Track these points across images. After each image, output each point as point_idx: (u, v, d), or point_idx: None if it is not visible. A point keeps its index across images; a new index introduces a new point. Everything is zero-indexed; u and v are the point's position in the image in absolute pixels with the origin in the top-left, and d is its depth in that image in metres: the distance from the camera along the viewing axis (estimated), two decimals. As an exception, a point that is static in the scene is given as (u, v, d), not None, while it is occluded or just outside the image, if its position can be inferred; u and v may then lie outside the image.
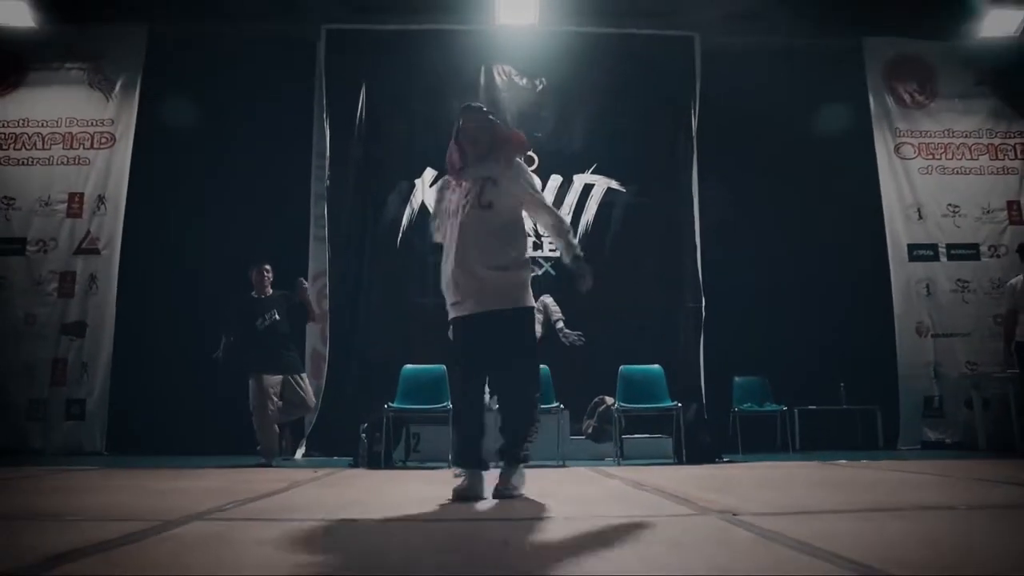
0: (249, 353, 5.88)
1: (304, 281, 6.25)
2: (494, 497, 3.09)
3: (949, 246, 7.83)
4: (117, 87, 7.77)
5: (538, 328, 7.39)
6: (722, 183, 7.78)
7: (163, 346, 7.12)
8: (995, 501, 3.01)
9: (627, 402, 6.14)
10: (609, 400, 6.48)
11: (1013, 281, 6.44)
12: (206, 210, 7.57)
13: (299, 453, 6.90)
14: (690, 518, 2.50)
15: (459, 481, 3.13)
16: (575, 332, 7.43)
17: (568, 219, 7.59)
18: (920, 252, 7.83)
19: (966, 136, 8.09)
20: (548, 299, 7.46)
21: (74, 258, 7.40)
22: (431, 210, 3.51)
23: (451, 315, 3.32)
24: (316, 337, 7.41)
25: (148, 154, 7.64)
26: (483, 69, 7.99)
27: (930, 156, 8.05)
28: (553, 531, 2.25)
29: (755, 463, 5.54)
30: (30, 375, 7.14)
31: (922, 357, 7.61)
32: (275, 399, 5.86)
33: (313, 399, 6.25)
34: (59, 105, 7.72)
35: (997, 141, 8.10)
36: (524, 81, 8.03)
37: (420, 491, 3.47)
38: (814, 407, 7.28)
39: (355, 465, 5.68)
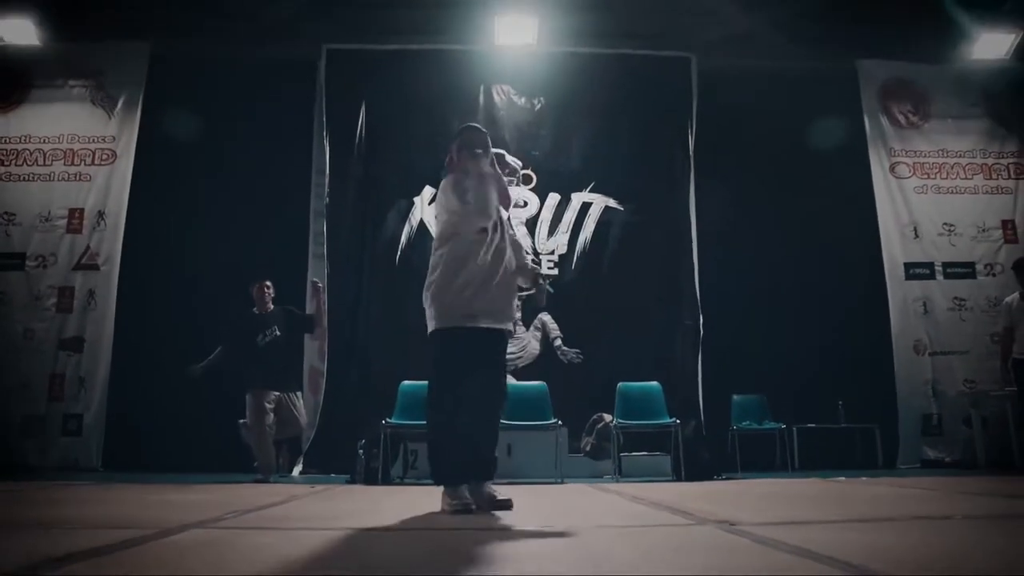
0: (249, 369, 5.88)
1: (318, 282, 6.26)
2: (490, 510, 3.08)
3: (945, 264, 7.88)
4: (119, 104, 7.83)
5: (536, 345, 7.46)
6: (719, 202, 7.83)
7: (161, 362, 7.09)
8: (992, 512, 3.01)
9: (625, 419, 6.13)
10: (607, 417, 6.49)
11: (1009, 299, 6.46)
12: (205, 227, 7.60)
13: (296, 470, 6.87)
14: (688, 527, 2.51)
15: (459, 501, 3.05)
16: (573, 349, 7.49)
17: (567, 237, 7.74)
18: (917, 271, 7.87)
19: (960, 156, 8.18)
20: (546, 317, 7.53)
21: (73, 273, 7.42)
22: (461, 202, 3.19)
23: (463, 324, 3.14)
24: (314, 353, 7.41)
25: (149, 171, 7.68)
26: (482, 88, 8.08)
27: (925, 176, 8.13)
28: (552, 538, 2.25)
29: (754, 480, 5.53)
30: (27, 391, 7.12)
31: (920, 375, 7.62)
32: (271, 415, 5.85)
33: (305, 419, 6.24)
34: (61, 122, 7.78)
35: (991, 161, 8.18)
36: (523, 100, 8.11)
37: (418, 504, 3.46)
38: (813, 425, 7.27)
39: (353, 481, 5.66)
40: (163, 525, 2.43)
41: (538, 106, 8.10)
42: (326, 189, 7.71)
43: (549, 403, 6.19)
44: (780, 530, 2.30)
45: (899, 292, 7.80)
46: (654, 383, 6.48)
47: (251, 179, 7.64)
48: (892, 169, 8.11)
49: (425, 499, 3.74)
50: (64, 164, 7.68)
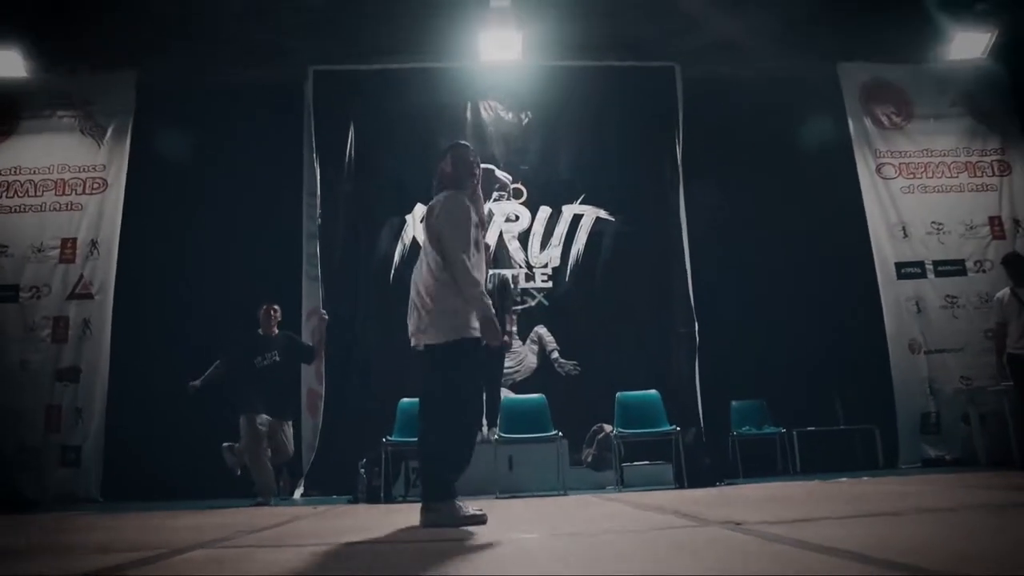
0: (243, 391, 5.85)
1: (324, 314, 6.24)
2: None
3: (936, 263, 7.93)
4: (108, 133, 7.84)
5: (533, 359, 7.47)
6: (709, 209, 7.90)
7: (159, 389, 7.04)
8: (995, 502, 3.03)
9: (625, 428, 6.13)
10: (608, 428, 6.49)
11: (1000, 294, 6.51)
12: (198, 252, 7.61)
13: (297, 493, 6.83)
14: (693, 528, 2.51)
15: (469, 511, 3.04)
16: (570, 362, 7.50)
17: (559, 250, 7.79)
18: (908, 270, 7.92)
19: (944, 155, 8.26)
20: (542, 330, 7.55)
21: (67, 303, 7.39)
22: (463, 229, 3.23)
23: (476, 335, 3.20)
24: (312, 375, 7.39)
25: (140, 198, 7.68)
26: (469, 105, 8.13)
27: (911, 176, 8.20)
28: (561, 541, 2.26)
29: (756, 484, 5.54)
30: (23, 422, 7.06)
31: (917, 374, 7.64)
32: (266, 439, 5.82)
33: (292, 448, 6.19)
34: (51, 152, 7.77)
35: (974, 159, 8.26)
36: (510, 115, 8.17)
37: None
38: (813, 428, 7.28)
39: (355, 501, 5.64)
40: (173, 546, 2.42)
41: (525, 120, 8.16)
42: (318, 210, 7.72)
43: (549, 415, 6.18)
44: (787, 528, 2.32)
45: (891, 292, 7.84)
46: (653, 391, 6.49)
47: (242, 203, 7.65)
48: (878, 170, 8.18)
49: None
50: (55, 194, 7.68)
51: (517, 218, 7.87)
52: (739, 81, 8.02)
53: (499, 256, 7.51)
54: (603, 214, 7.91)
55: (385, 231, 7.76)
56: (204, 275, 7.48)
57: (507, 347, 6.40)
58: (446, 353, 3.14)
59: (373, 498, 5.54)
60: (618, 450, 6.08)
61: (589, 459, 6.51)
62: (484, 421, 6.31)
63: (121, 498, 6.77)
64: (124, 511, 5.24)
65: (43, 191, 7.69)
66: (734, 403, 7.44)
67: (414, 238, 7.63)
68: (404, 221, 7.76)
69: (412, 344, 3.30)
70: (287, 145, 7.97)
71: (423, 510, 3.06)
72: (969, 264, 7.94)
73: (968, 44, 8.05)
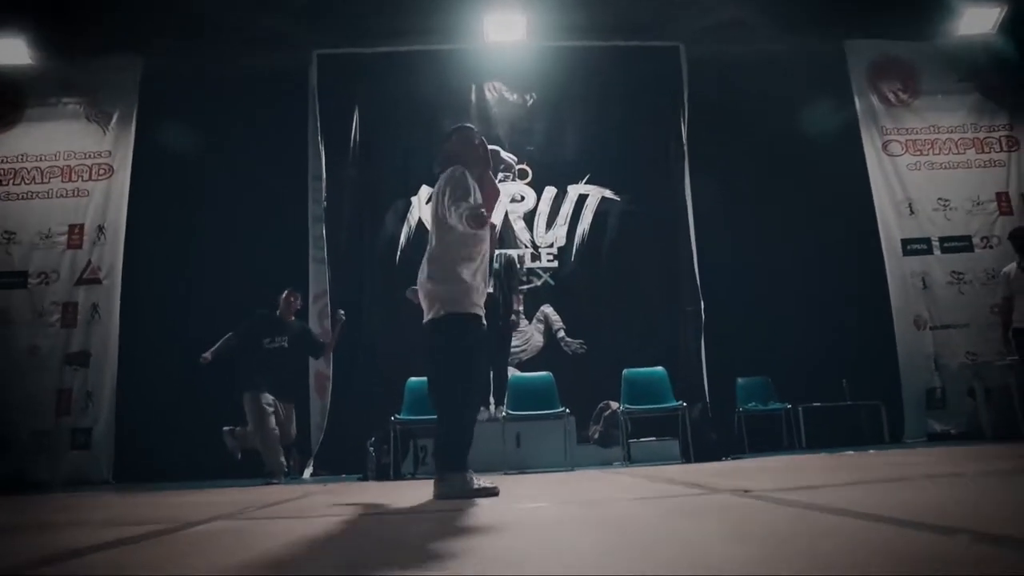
0: (248, 370, 5.90)
1: (343, 314, 6.28)
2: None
3: (942, 239, 7.91)
4: (113, 119, 7.85)
5: (540, 338, 7.49)
6: (715, 188, 7.88)
7: (168, 372, 7.12)
8: (1001, 469, 3.05)
9: (632, 404, 6.17)
10: (614, 405, 6.53)
11: (1007, 269, 6.51)
12: (205, 236, 7.64)
13: (307, 472, 6.89)
14: (703, 496, 2.54)
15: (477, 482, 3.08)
16: (576, 340, 7.53)
17: (565, 229, 7.80)
18: (914, 246, 7.90)
19: (951, 131, 8.22)
20: (548, 309, 7.57)
21: (76, 288, 7.44)
22: (462, 201, 3.14)
23: (476, 311, 3.25)
24: (320, 359, 7.42)
25: (146, 183, 7.70)
26: (474, 87, 8.11)
27: (918, 152, 8.17)
28: (574, 508, 2.29)
29: (763, 458, 5.58)
30: (34, 407, 7.13)
31: (922, 350, 7.66)
32: (273, 418, 5.87)
33: (295, 430, 6.25)
34: (57, 139, 7.80)
35: (982, 135, 8.22)
36: (515, 96, 8.15)
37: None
38: (818, 404, 7.31)
39: (365, 479, 5.69)
40: (189, 520, 2.46)
41: (530, 101, 8.14)
42: (323, 194, 7.74)
43: (556, 392, 6.22)
44: (794, 494, 2.34)
45: (897, 268, 7.84)
46: (659, 368, 6.52)
47: (248, 187, 7.67)
48: (885, 147, 8.15)
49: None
50: (62, 181, 7.71)
51: (523, 198, 7.88)
52: (744, 60, 7.97)
53: (505, 236, 7.52)
54: (608, 194, 7.91)
55: (391, 214, 7.77)
56: (211, 259, 7.52)
57: (514, 326, 6.42)
58: (441, 327, 3.18)
59: (383, 476, 5.60)
60: (625, 426, 6.12)
61: (596, 436, 6.55)
62: (492, 399, 6.36)
63: (133, 480, 6.84)
64: (137, 492, 5.30)
65: (49, 178, 7.71)
66: (740, 380, 7.47)
67: (420, 220, 7.64)
68: (410, 203, 7.77)
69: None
70: (292, 129, 7.97)
71: (435, 482, 3.10)
72: (976, 240, 7.92)
73: (976, 19, 7.99)
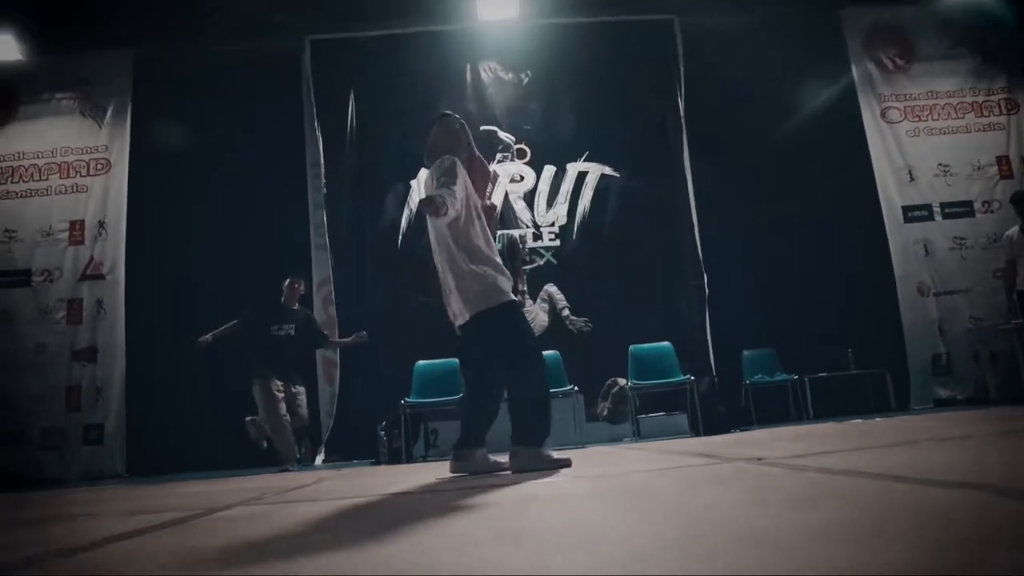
0: (256, 357, 5.94)
1: (364, 335, 6.31)
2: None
3: (943, 205, 7.90)
4: (108, 113, 7.83)
5: (545, 317, 7.51)
6: (714, 160, 7.85)
7: (175, 364, 7.15)
8: (1010, 430, 3.07)
9: (640, 380, 6.19)
10: (622, 381, 6.56)
11: (1010, 232, 6.52)
12: (206, 227, 7.64)
13: (318, 459, 6.93)
14: (718, 464, 2.57)
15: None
16: (581, 319, 7.54)
17: (565, 207, 7.79)
18: (915, 213, 7.90)
19: (950, 96, 8.18)
20: (552, 288, 7.59)
21: (80, 285, 7.46)
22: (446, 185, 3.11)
23: (503, 301, 3.23)
24: (327, 346, 7.46)
25: (144, 176, 7.71)
26: (468, 67, 8.07)
27: (916, 118, 8.13)
28: (594, 482, 2.32)
29: (772, 429, 5.61)
30: (44, 404, 7.18)
31: (926, 316, 7.67)
32: (283, 404, 5.91)
33: (307, 413, 6.29)
34: (52, 135, 7.78)
35: (981, 99, 8.17)
36: (510, 76, 8.11)
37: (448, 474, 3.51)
38: (824, 374, 7.36)
39: (377, 463, 5.73)
40: (210, 506, 2.49)
41: (526, 80, 8.10)
42: (322, 180, 7.72)
43: (564, 370, 6.24)
44: (807, 460, 2.36)
45: (899, 236, 7.84)
46: (666, 343, 6.55)
47: (246, 176, 7.66)
48: (883, 114, 8.12)
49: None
50: (60, 177, 7.70)
51: (522, 178, 7.86)
52: (739, 31, 7.92)
53: (505, 216, 7.51)
54: (608, 170, 7.89)
55: (391, 197, 7.77)
56: (213, 250, 7.53)
57: (520, 306, 6.44)
58: (482, 325, 3.18)
59: (395, 459, 5.64)
60: (633, 402, 6.15)
61: (604, 413, 6.59)
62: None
63: (146, 473, 6.90)
64: (151, 484, 5.35)
65: (47, 175, 7.71)
66: (745, 352, 7.50)
67: (420, 203, 7.61)
68: (409, 187, 7.76)
69: (456, 325, 3.33)
70: (288, 117, 7.95)
71: (511, 456, 3.17)
72: (977, 205, 7.92)
73: (971, -19, 7.93)
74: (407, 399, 5.98)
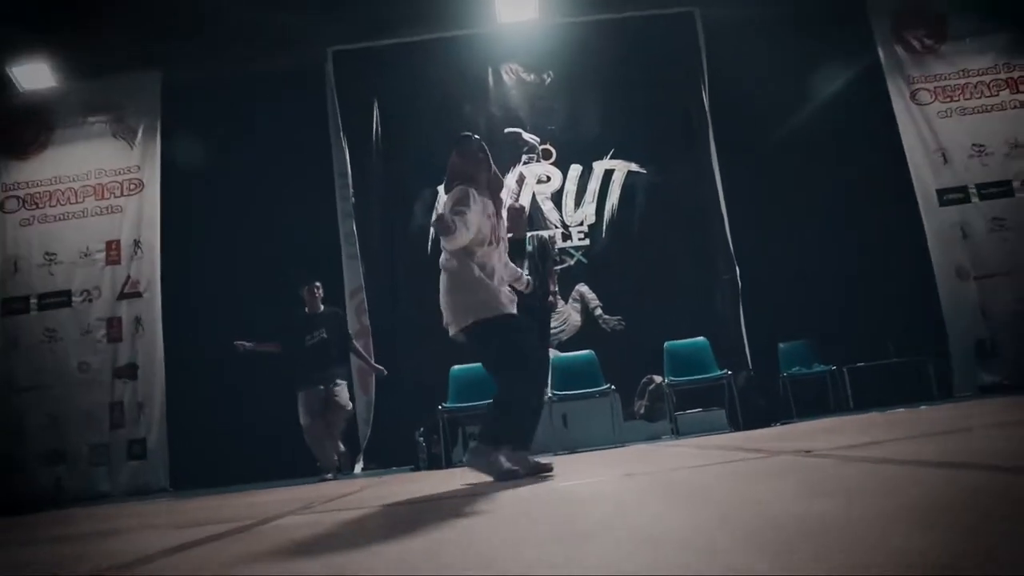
0: (297, 369, 6.03)
1: (384, 372, 6.49)
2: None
3: (979, 186, 7.71)
4: (139, 134, 7.98)
5: (577, 317, 7.48)
6: (741, 152, 7.77)
7: (214, 377, 7.26)
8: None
9: (676, 376, 6.15)
10: (658, 379, 6.52)
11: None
12: (239, 241, 7.73)
13: (358, 467, 6.99)
14: (764, 459, 2.54)
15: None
16: (615, 317, 7.51)
17: (593, 206, 7.76)
18: (950, 196, 7.72)
19: (982, 74, 7.98)
20: (584, 288, 7.56)
21: (118, 303, 7.60)
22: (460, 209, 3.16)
23: (494, 314, 3.25)
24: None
25: (176, 194, 7.83)
26: (490, 70, 8.08)
27: (947, 99, 7.96)
28: (636, 479, 2.30)
29: (813, 421, 5.53)
30: (89, 421, 7.33)
31: (967, 301, 7.49)
32: (321, 416, 5.99)
33: (349, 401, 6.36)
34: (87, 158, 7.94)
35: (1016, 74, 7.94)
36: (532, 77, 8.10)
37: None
38: (863, 364, 7.21)
39: (416, 469, 5.76)
40: (262, 517, 2.52)
41: (548, 80, 8.08)
42: (350, 190, 7.78)
43: (599, 370, 6.22)
44: (860, 450, 2.32)
45: (935, 220, 7.67)
46: (701, 338, 6.49)
47: (276, 188, 7.74)
48: (913, 97, 7.96)
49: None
50: (95, 199, 7.86)
51: (549, 179, 7.85)
52: (760, 20, 7.81)
53: (534, 218, 7.50)
54: (634, 167, 7.85)
55: (419, 204, 7.79)
56: (246, 263, 7.60)
57: (552, 307, 6.42)
58: (472, 336, 3.22)
59: (434, 465, 5.66)
60: (670, 399, 6.10)
61: (642, 411, 6.55)
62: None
63: (190, 486, 7.00)
64: (198, 496, 5.43)
65: (83, 197, 7.87)
66: (781, 345, 7.39)
67: (448, 209, 7.63)
68: (437, 192, 7.74)
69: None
70: (314, 128, 8.02)
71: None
72: (1016, 184, 7.71)
73: (1000, -46, 7.75)
74: (444, 404, 5.99)
